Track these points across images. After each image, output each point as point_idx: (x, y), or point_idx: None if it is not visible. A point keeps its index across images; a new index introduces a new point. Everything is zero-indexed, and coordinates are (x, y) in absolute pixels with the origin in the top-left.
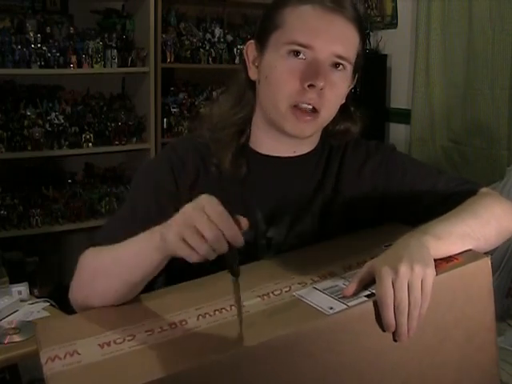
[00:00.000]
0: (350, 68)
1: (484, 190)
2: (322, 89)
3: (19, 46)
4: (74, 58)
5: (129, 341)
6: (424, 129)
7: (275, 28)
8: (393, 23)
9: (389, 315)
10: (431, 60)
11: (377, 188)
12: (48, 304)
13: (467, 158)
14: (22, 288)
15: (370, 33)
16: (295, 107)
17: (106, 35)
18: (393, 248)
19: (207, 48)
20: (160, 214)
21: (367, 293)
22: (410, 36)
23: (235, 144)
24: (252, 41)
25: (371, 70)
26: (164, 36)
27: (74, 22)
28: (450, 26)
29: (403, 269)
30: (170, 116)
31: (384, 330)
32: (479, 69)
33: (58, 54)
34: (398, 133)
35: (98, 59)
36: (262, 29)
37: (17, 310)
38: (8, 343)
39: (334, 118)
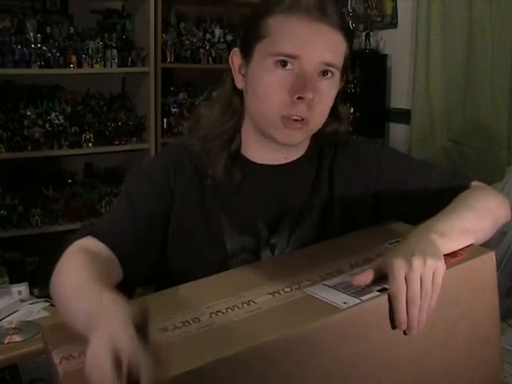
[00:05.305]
0: (337, 73)
1: (475, 183)
2: (311, 100)
3: (19, 46)
4: (73, 58)
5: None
6: (424, 129)
7: (260, 38)
8: (393, 23)
9: (402, 308)
10: (431, 60)
11: (369, 186)
12: (48, 304)
13: (467, 158)
14: (22, 288)
15: (370, 33)
16: (285, 118)
17: (105, 35)
18: (402, 244)
19: (207, 48)
20: (160, 209)
21: (379, 287)
22: (410, 36)
23: (226, 153)
24: (236, 49)
25: (371, 69)
26: (164, 36)
27: (74, 22)
28: (450, 26)
29: (416, 262)
30: (169, 116)
31: (395, 325)
32: (479, 69)
33: (58, 54)
34: (398, 133)
35: (98, 59)
36: (247, 38)
37: (17, 310)
38: (8, 343)
39: None
